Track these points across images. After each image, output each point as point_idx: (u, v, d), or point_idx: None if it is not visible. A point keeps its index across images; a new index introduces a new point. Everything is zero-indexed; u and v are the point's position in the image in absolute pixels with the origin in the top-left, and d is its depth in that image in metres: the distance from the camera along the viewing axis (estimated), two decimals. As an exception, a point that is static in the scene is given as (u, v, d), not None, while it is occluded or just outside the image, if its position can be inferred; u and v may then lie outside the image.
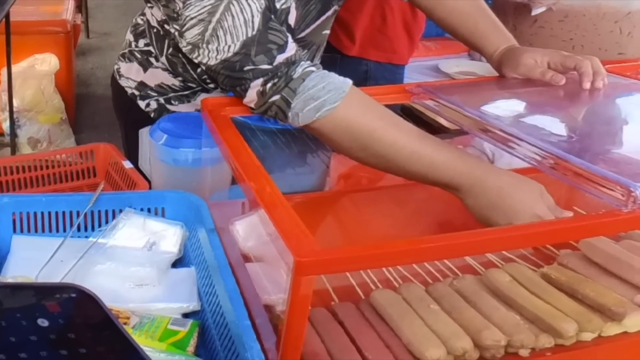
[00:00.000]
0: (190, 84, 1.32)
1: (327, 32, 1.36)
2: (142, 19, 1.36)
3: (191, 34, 1.03)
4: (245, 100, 1.07)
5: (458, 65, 2.15)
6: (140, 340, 0.79)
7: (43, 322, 0.59)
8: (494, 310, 0.87)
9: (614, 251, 0.97)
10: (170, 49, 1.27)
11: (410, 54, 1.87)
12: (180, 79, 1.32)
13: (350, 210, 1.24)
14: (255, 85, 1.03)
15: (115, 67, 1.43)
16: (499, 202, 0.96)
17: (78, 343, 0.61)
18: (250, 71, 1.02)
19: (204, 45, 1.03)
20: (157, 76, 1.34)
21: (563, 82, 1.13)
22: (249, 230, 1.03)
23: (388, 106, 1.05)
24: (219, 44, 1.02)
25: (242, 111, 1.10)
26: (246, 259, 0.99)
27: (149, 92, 1.36)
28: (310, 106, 1.00)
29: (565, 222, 0.77)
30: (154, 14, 1.27)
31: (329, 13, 1.29)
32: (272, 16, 1.06)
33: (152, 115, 1.36)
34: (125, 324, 0.83)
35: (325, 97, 1.00)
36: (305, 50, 1.31)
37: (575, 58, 1.15)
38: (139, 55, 1.36)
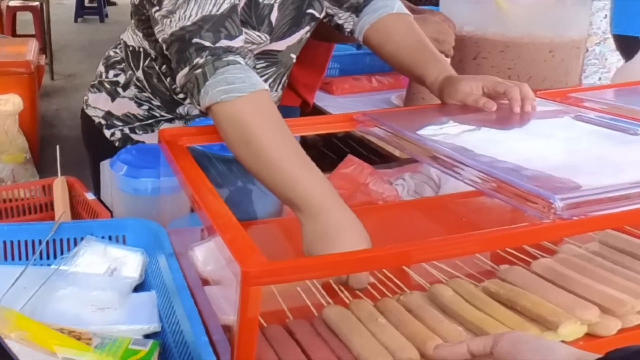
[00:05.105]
0: (154, 113, 1.41)
1: (294, 57, 1.43)
2: (114, 52, 1.46)
3: (171, 2, 1.10)
4: (179, 76, 1.12)
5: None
6: (102, 358, 0.82)
7: None
8: (438, 322, 0.92)
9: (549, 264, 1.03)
10: (147, 61, 1.37)
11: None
12: (145, 107, 1.41)
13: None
14: (193, 61, 1.09)
15: (85, 97, 1.52)
16: (329, 235, 0.95)
17: None
18: (195, 45, 1.08)
19: (176, 10, 1.09)
20: (124, 106, 1.43)
21: (494, 109, 1.19)
22: (208, 255, 1.07)
23: (334, 135, 1.09)
24: (185, 11, 1.09)
25: (198, 141, 1.15)
26: (205, 282, 1.02)
27: (115, 121, 1.44)
28: (220, 87, 1.05)
29: (493, 232, 0.82)
30: (132, 35, 1.39)
31: (302, 30, 1.37)
32: (243, 14, 1.14)
33: (116, 144, 1.43)
34: (87, 344, 0.86)
35: (237, 84, 1.05)
36: (273, 68, 1.39)
37: (505, 84, 1.20)
38: (108, 86, 1.45)
